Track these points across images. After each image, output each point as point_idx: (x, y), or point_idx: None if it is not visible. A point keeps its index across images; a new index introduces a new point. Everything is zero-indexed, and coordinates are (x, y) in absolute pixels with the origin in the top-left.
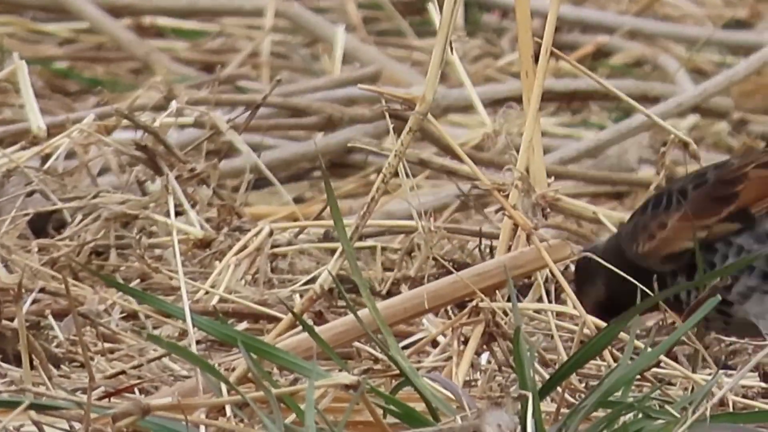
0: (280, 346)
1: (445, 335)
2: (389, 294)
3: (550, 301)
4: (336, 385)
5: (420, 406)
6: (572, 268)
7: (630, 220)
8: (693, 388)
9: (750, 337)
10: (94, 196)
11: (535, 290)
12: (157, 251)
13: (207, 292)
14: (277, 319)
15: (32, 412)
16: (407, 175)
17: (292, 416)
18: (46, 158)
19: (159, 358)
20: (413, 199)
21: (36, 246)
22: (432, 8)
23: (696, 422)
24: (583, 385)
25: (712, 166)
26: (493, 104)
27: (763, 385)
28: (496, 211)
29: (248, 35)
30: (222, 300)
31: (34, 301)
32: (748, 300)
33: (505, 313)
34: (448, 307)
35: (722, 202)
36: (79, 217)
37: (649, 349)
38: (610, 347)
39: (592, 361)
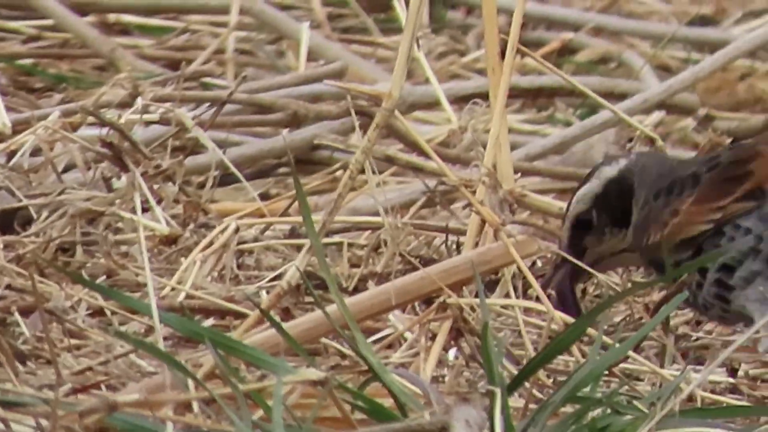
0: (248, 342)
1: (412, 331)
2: (356, 290)
3: (517, 297)
4: (304, 381)
5: (388, 402)
6: (539, 264)
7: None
8: (661, 384)
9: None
10: (60, 193)
11: (503, 286)
12: (124, 248)
13: (173, 289)
14: (244, 316)
15: None
16: (373, 172)
17: (260, 412)
18: (11, 155)
19: (126, 354)
20: (380, 195)
21: (1, 243)
22: (397, 5)
23: (664, 418)
24: (552, 380)
25: (726, 147)
26: (459, 101)
27: (732, 380)
28: (463, 207)
29: (213, 32)
30: (189, 296)
31: (0, 298)
32: (751, 285)
33: (473, 309)
34: (416, 303)
35: (736, 181)
36: (45, 213)
37: (617, 345)
38: (578, 343)
39: (560, 357)
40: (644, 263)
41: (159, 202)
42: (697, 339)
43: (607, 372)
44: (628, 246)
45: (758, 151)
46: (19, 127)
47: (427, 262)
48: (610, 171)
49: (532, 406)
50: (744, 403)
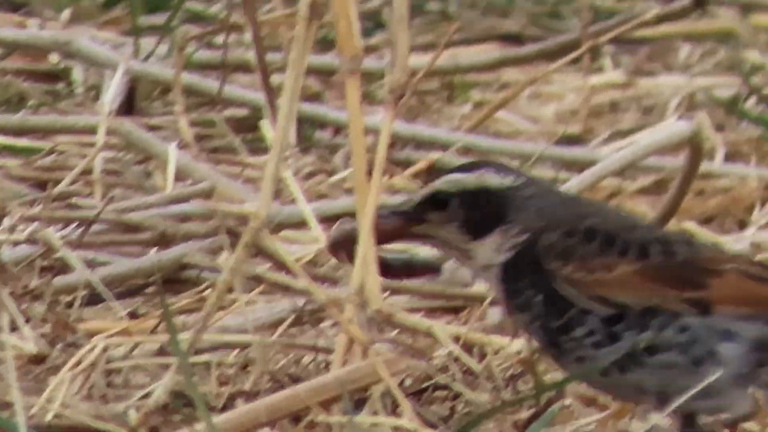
0: None
1: None
2: (225, 409)
3: (386, 415)
4: None
5: None
6: (408, 382)
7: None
8: None
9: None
10: None
11: (372, 404)
12: None
13: (42, 408)
14: None
15: None
16: (242, 291)
17: None
18: None
19: None
20: (248, 314)
21: None
22: (265, 125)
23: None
24: None
25: (680, 240)
26: (327, 220)
27: None
28: (332, 326)
29: (81, 152)
30: (57, 415)
31: None
32: (655, 369)
33: (342, 428)
34: (285, 422)
35: (688, 284)
36: None
37: None
38: None
39: None
40: (495, 281)
41: (27, 321)
42: None
43: None
44: (466, 253)
45: (723, 272)
46: None
47: (296, 380)
48: (493, 180)
49: None
50: None
